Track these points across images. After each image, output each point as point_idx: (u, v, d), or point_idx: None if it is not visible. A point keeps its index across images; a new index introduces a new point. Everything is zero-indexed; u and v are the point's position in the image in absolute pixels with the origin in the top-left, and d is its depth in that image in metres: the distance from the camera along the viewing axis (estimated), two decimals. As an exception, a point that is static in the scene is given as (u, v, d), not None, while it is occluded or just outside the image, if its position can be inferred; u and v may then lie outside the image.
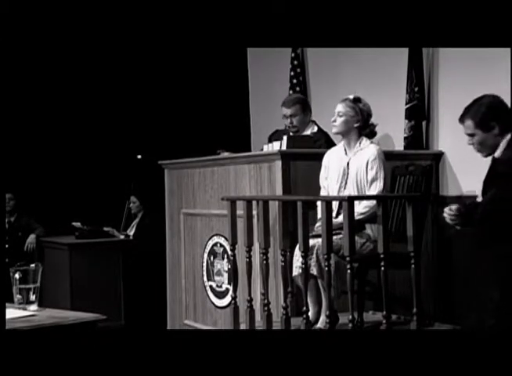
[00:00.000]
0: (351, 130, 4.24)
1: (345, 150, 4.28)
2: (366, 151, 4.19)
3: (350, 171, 4.20)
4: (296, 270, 4.04)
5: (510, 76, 4.38)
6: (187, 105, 7.30)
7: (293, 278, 4.09)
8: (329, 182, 4.28)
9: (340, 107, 4.26)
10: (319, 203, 4.16)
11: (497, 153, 3.46)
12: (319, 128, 5.06)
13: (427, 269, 4.77)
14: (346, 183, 4.20)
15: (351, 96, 4.29)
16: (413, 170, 4.37)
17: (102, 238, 6.83)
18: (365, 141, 4.25)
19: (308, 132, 5.05)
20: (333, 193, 4.23)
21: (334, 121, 4.26)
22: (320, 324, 4.04)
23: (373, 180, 4.13)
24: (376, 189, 4.12)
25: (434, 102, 5.01)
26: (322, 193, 4.32)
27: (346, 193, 4.14)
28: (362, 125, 4.25)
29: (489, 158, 4.60)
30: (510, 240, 3.32)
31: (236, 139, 6.50)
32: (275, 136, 5.11)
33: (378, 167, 4.14)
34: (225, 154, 5.12)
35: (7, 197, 6.92)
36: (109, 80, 7.18)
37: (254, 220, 4.26)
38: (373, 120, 4.33)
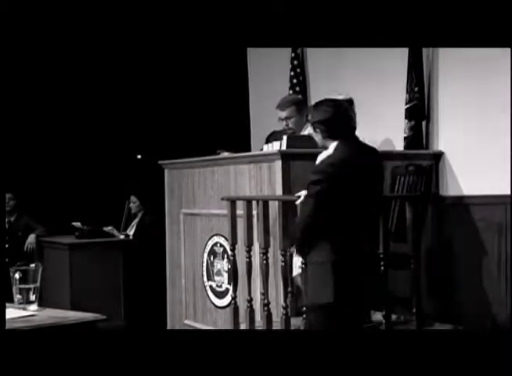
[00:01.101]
0: None
1: None
2: None
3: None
4: (296, 270, 4.04)
5: (509, 76, 4.39)
6: (187, 105, 7.30)
7: (293, 278, 4.09)
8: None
9: None
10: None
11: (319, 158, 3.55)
12: (318, 128, 5.05)
13: (427, 269, 4.77)
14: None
15: (343, 97, 4.24)
16: (413, 170, 4.37)
17: (102, 238, 6.83)
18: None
19: (305, 133, 5.04)
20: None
21: None
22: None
23: None
24: None
25: (434, 102, 5.01)
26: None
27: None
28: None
29: (490, 160, 4.63)
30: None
31: (236, 139, 6.50)
32: (272, 137, 5.09)
33: None
34: (225, 154, 5.11)
35: (7, 197, 6.91)
36: (109, 80, 7.18)
37: (254, 220, 4.26)
38: (373, 120, 4.32)
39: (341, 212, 3.27)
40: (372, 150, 3.59)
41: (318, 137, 3.53)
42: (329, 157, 3.42)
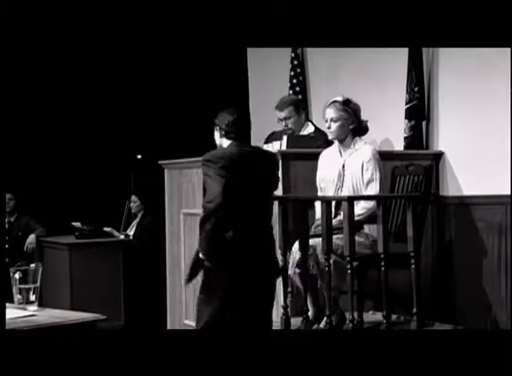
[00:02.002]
0: (348, 133, 4.23)
1: (340, 151, 4.27)
2: (361, 152, 4.17)
3: (345, 173, 4.17)
4: (291, 270, 4.04)
5: (509, 76, 4.39)
6: (187, 105, 7.30)
7: (290, 277, 4.08)
8: (326, 184, 4.27)
9: (331, 112, 4.21)
10: (316, 204, 4.16)
11: None
12: (316, 128, 5.05)
13: (427, 269, 4.77)
14: (342, 185, 4.18)
15: (340, 98, 4.24)
16: (413, 170, 4.37)
17: (102, 238, 6.83)
18: (359, 141, 4.23)
19: (304, 133, 5.04)
20: (330, 194, 4.22)
21: (329, 127, 4.22)
22: (322, 324, 4.04)
23: (369, 182, 4.11)
24: (372, 190, 4.11)
25: (434, 102, 5.01)
26: (320, 194, 4.30)
27: (343, 194, 4.13)
28: (356, 126, 4.24)
29: (490, 160, 4.63)
30: None
31: (236, 139, 6.49)
32: (272, 138, 5.09)
33: (373, 168, 4.12)
34: (225, 154, 5.10)
35: (7, 197, 6.91)
36: (109, 80, 7.18)
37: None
38: (373, 120, 4.32)
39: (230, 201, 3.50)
40: (266, 154, 3.88)
41: (216, 135, 3.77)
42: (221, 150, 3.70)
